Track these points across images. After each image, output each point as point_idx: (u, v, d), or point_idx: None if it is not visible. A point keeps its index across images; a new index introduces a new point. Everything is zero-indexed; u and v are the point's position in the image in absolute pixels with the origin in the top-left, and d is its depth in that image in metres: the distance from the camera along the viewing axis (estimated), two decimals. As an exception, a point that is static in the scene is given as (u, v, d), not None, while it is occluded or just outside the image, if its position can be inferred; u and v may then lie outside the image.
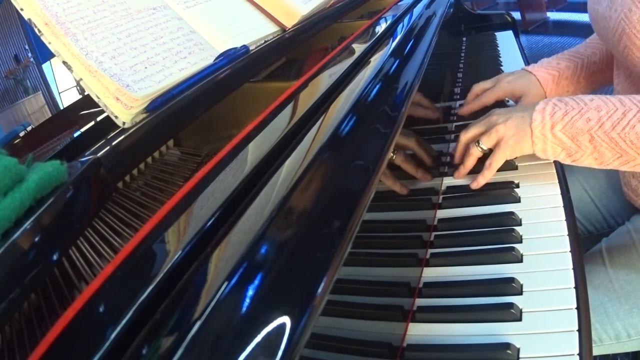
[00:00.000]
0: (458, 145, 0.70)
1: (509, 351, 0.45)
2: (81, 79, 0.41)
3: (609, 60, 0.84)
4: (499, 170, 0.67)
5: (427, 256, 0.60)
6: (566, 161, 0.62)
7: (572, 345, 0.44)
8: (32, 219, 0.28)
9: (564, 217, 0.61)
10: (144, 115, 0.42)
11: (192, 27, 0.54)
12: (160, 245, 0.30)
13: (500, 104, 0.85)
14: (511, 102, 0.87)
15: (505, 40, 1.37)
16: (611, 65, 0.83)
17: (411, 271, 0.56)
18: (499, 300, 0.51)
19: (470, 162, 0.68)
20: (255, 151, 0.39)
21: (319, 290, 0.28)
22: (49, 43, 0.42)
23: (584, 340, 0.45)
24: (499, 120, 0.65)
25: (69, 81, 0.50)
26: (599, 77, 0.85)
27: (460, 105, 0.92)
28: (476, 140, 0.67)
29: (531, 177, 0.70)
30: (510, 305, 0.49)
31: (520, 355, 0.45)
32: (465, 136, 0.69)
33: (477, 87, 0.86)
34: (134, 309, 0.25)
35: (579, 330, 0.46)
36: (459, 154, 0.71)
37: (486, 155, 0.67)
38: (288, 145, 0.40)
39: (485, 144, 0.66)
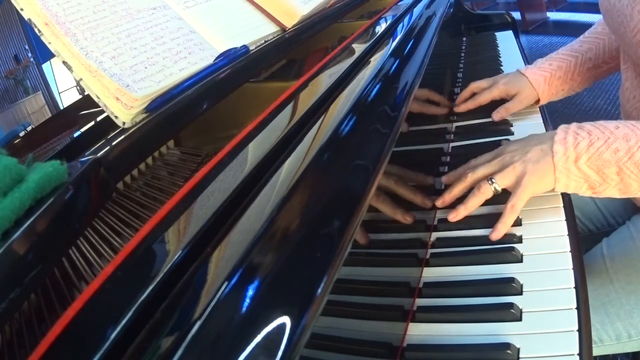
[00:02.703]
0: (460, 184, 0.61)
1: (509, 351, 0.45)
2: (81, 79, 0.41)
3: (605, 55, 0.85)
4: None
5: (427, 256, 0.60)
6: (586, 194, 0.57)
7: (572, 345, 0.44)
8: (32, 219, 0.28)
9: (564, 217, 0.61)
10: (144, 115, 0.42)
11: (192, 27, 0.54)
12: (160, 245, 0.30)
13: (495, 104, 0.85)
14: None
15: (505, 40, 1.37)
16: (607, 59, 0.84)
17: (411, 271, 0.56)
18: (499, 300, 0.51)
19: (477, 202, 0.59)
20: (255, 151, 0.39)
21: (319, 290, 0.28)
22: (49, 43, 0.42)
23: (584, 340, 0.45)
24: (515, 157, 0.59)
25: (69, 81, 0.50)
26: (594, 73, 0.86)
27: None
28: (489, 178, 0.59)
29: (531, 177, 0.69)
30: (510, 305, 0.49)
31: (520, 355, 0.45)
32: (473, 176, 0.60)
33: (474, 85, 0.87)
34: (134, 309, 0.25)
35: (579, 330, 0.46)
36: (458, 191, 0.61)
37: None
38: (288, 145, 0.40)
39: (501, 183, 0.58)
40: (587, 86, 0.88)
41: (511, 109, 0.84)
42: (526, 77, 0.85)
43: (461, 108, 0.86)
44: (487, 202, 0.61)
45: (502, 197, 0.59)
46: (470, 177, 0.60)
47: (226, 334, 0.24)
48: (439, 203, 0.62)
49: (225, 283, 0.26)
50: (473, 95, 0.87)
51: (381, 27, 0.75)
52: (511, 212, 0.57)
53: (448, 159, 0.78)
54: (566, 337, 0.45)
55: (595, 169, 0.55)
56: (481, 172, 0.60)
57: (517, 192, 0.57)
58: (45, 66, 0.51)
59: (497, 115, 0.83)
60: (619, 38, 0.68)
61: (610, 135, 0.54)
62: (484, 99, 0.85)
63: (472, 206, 0.59)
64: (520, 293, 0.52)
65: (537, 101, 0.86)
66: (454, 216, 0.60)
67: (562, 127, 0.59)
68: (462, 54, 1.33)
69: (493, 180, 0.58)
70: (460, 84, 1.10)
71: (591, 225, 0.88)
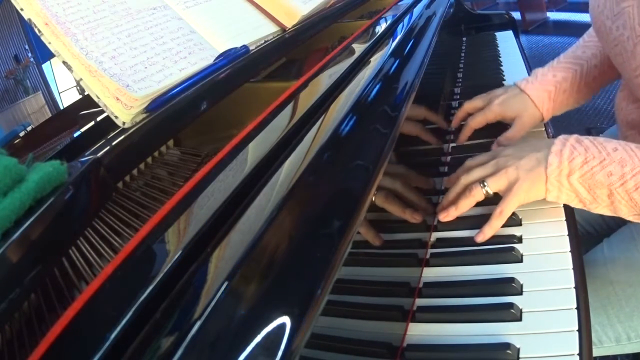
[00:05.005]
0: (455, 186, 0.61)
1: (509, 351, 0.45)
2: (81, 79, 0.41)
3: (610, 60, 0.81)
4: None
5: (427, 256, 0.60)
6: (577, 206, 0.57)
7: (572, 345, 0.44)
8: (32, 219, 0.28)
9: (564, 217, 0.61)
10: (144, 115, 0.42)
11: (192, 27, 0.54)
12: (160, 245, 0.30)
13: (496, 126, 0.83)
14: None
15: (505, 40, 1.38)
16: (612, 63, 0.81)
17: (411, 271, 0.56)
18: (499, 300, 0.51)
19: (468, 204, 0.59)
20: (255, 151, 0.39)
21: (319, 290, 0.28)
22: (49, 43, 0.42)
23: (584, 340, 0.45)
24: (509, 161, 0.58)
25: (69, 81, 0.50)
26: (600, 81, 0.80)
27: (460, 104, 0.91)
28: (481, 181, 0.59)
29: (531, 177, 0.69)
30: (510, 305, 0.49)
31: (520, 355, 0.45)
32: (467, 179, 0.60)
33: (469, 105, 0.79)
34: (134, 309, 0.25)
35: (579, 331, 0.46)
36: (454, 195, 0.61)
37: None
38: (288, 145, 0.40)
39: (493, 186, 0.58)
40: (594, 94, 0.81)
41: (513, 137, 0.74)
42: (527, 95, 0.76)
43: (460, 140, 0.78)
44: (487, 204, 0.61)
45: (500, 198, 0.59)
46: (464, 180, 0.60)
47: (226, 334, 0.24)
48: (439, 209, 0.62)
49: (225, 283, 0.26)
50: (469, 116, 0.79)
51: (381, 27, 0.75)
52: (499, 217, 0.57)
53: (448, 159, 0.78)
54: (566, 337, 0.45)
55: (586, 187, 0.54)
56: (474, 175, 0.60)
57: (507, 199, 0.57)
58: (45, 66, 0.52)
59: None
60: (617, 65, 0.64)
61: (607, 156, 0.53)
62: (476, 123, 0.76)
63: (463, 208, 0.59)
64: (520, 293, 0.52)
65: (541, 120, 0.79)
66: (445, 216, 0.60)
67: (561, 137, 0.58)
68: (462, 54, 1.33)
69: (485, 183, 0.58)
70: (460, 84, 1.10)
71: (591, 228, 0.88)
